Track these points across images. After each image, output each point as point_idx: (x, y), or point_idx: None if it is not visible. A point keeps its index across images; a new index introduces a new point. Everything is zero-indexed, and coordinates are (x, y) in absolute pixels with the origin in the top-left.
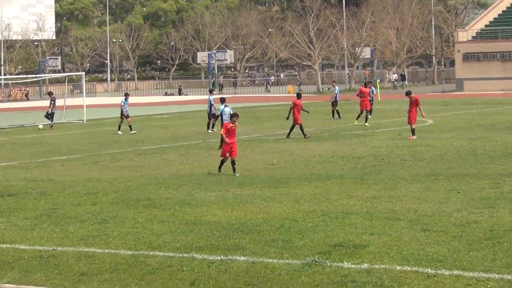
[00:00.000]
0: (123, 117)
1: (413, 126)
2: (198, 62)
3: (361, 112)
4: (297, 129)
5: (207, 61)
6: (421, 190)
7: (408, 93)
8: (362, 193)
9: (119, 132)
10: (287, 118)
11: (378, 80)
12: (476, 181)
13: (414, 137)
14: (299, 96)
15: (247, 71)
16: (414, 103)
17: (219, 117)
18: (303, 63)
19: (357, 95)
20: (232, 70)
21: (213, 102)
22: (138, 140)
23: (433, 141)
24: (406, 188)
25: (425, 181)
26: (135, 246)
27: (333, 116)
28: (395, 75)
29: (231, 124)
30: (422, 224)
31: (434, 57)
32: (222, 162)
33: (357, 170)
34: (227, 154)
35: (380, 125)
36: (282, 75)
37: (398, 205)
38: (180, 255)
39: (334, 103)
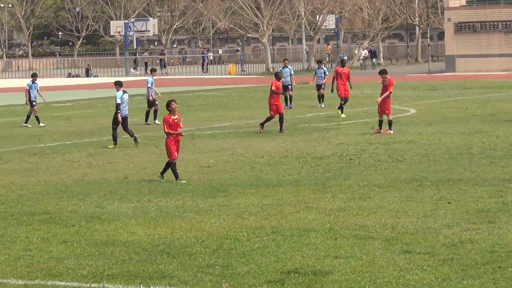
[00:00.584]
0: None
1: (390, 117)
2: (112, 34)
3: (343, 100)
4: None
5: (123, 33)
6: (401, 200)
7: (382, 72)
8: (324, 204)
9: (28, 125)
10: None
11: (345, 58)
12: (471, 188)
13: (390, 131)
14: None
15: (175, 46)
16: (386, 87)
17: (118, 107)
18: (248, 35)
19: (334, 78)
20: (156, 44)
21: (150, 85)
22: (32, 136)
23: (416, 136)
24: (381, 197)
25: (406, 189)
26: (29, 274)
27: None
28: (365, 51)
29: (172, 117)
30: (402, 244)
31: (417, 27)
32: (175, 165)
33: (317, 174)
34: (176, 154)
35: (347, 116)
36: (220, 51)
37: (371, 220)
38: (88, 285)
39: (289, 88)
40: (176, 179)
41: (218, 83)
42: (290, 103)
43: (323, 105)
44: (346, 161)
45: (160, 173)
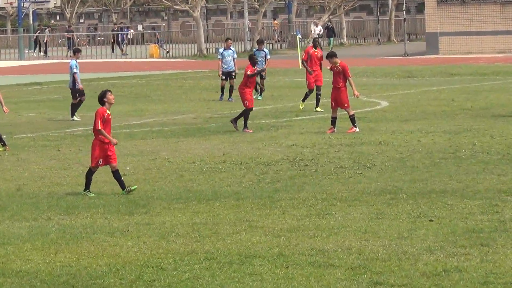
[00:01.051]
0: None
1: (351, 112)
2: (1, 6)
3: (310, 91)
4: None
5: (15, 4)
6: (370, 218)
7: (331, 56)
8: (272, 223)
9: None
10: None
11: (299, 36)
12: (459, 202)
13: (355, 129)
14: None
15: (82, 21)
16: (341, 75)
17: None
18: (176, 7)
19: (303, 62)
20: (58, 18)
21: (76, 70)
22: None
23: (389, 136)
24: (344, 214)
25: (376, 203)
26: None
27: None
28: (319, 27)
29: (107, 111)
30: (371, 273)
31: None
32: (91, 174)
33: (264, 184)
34: (101, 161)
35: (301, 110)
36: (140, 27)
37: (332, 243)
38: None
39: (233, 76)
40: (84, 190)
41: (137, 68)
42: (230, 95)
43: (260, 98)
44: (300, 168)
45: (121, 187)
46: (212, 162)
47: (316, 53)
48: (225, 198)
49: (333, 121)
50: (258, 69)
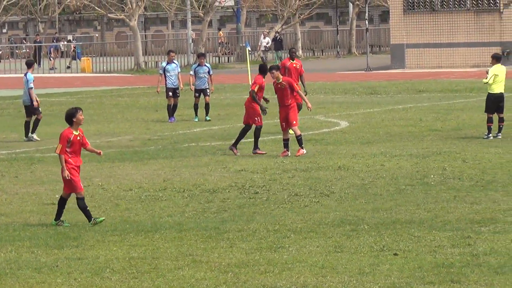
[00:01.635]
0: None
1: (297, 132)
2: None
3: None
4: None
5: None
6: (327, 251)
7: (273, 70)
8: (218, 257)
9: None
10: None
11: (248, 48)
12: (427, 233)
13: (303, 151)
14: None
15: (4, 31)
16: (288, 90)
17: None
18: (110, 16)
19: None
20: None
21: (32, 85)
22: None
23: (350, 160)
24: (299, 247)
25: (335, 234)
26: None
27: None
28: (266, 39)
29: (74, 133)
30: None
31: (351, 5)
32: (64, 202)
33: (209, 214)
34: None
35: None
36: (70, 38)
37: (285, 279)
38: None
39: (177, 94)
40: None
41: (66, 84)
42: (172, 115)
43: (208, 118)
44: (249, 196)
45: (86, 217)
46: (152, 190)
47: (294, 65)
48: (166, 230)
49: (286, 143)
50: (167, 83)
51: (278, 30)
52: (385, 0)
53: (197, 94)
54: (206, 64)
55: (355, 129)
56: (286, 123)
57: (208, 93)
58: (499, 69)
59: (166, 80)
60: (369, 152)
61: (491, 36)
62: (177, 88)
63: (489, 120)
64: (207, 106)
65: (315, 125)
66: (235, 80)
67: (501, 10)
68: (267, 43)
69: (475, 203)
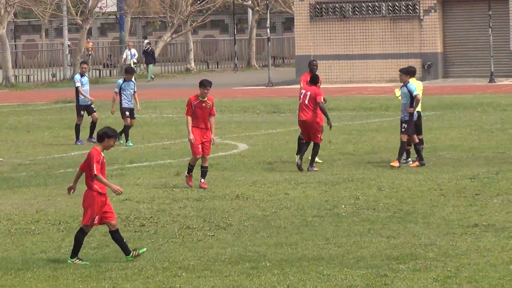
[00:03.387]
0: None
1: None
2: None
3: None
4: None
5: None
6: None
7: (204, 85)
8: None
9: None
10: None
11: (134, 60)
12: (338, 271)
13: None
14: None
15: None
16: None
17: None
18: None
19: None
20: None
21: None
22: None
23: (249, 188)
24: (192, 287)
25: (233, 273)
26: None
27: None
28: (132, 50)
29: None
30: None
31: (250, 11)
32: (84, 235)
33: (89, 250)
34: (97, 218)
35: (138, 153)
36: None
37: None
38: None
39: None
40: (72, 258)
41: None
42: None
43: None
44: (134, 229)
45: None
46: (23, 222)
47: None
48: (39, 268)
49: (192, 168)
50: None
51: (166, 39)
52: (289, 6)
53: (127, 114)
54: (132, 79)
55: (255, 153)
56: (206, 148)
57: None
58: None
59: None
60: (272, 179)
61: (410, 46)
62: (90, 104)
63: (408, 143)
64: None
65: (211, 148)
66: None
67: (421, 17)
68: (134, 55)
69: (392, 237)
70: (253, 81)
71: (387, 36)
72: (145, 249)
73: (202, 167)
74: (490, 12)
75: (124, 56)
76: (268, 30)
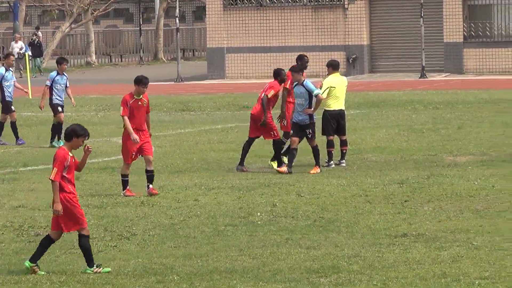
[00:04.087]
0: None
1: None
2: None
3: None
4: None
5: None
6: None
7: (140, 82)
8: None
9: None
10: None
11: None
12: (252, 285)
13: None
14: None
15: None
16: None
17: None
18: None
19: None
20: None
21: None
22: None
23: (152, 198)
24: None
25: (136, 287)
26: None
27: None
28: (19, 43)
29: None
30: None
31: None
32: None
33: None
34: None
35: (33, 155)
36: None
37: None
38: None
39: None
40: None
41: None
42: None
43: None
44: (28, 239)
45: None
46: None
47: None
48: None
49: (127, 179)
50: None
51: (65, 30)
52: None
53: (60, 109)
54: (65, 72)
55: (163, 155)
56: (140, 152)
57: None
58: (336, 80)
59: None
60: (180, 184)
61: (333, 38)
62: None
63: (329, 144)
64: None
65: (112, 150)
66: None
67: (346, 6)
68: (21, 49)
69: (313, 248)
70: (160, 76)
71: (309, 27)
72: (109, 269)
73: (147, 171)
74: (421, 1)
75: (10, 49)
76: (177, 20)
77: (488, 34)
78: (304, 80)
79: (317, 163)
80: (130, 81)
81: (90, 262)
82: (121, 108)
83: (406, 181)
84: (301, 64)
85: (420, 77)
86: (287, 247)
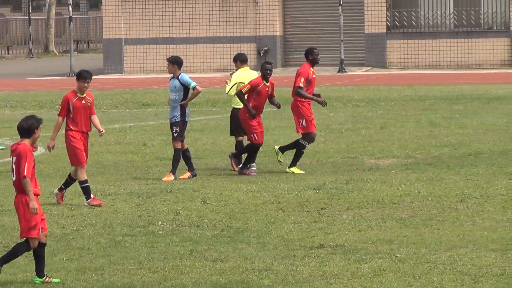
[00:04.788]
0: None
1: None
2: None
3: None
4: None
5: None
6: None
7: (82, 77)
8: None
9: None
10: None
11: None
12: None
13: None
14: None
15: None
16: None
17: None
18: None
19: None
20: None
21: None
22: None
23: (43, 200)
24: None
25: None
26: None
27: None
28: None
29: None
30: None
31: None
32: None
33: None
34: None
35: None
36: None
37: None
38: None
39: None
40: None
41: None
42: None
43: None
44: None
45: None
46: None
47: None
48: None
49: (69, 183)
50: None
51: None
52: None
53: None
54: None
55: (54, 158)
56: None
57: None
58: (245, 75)
59: None
60: (73, 190)
61: (243, 29)
62: None
63: (239, 146)
64: None
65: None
66: None
67: None
68: None
69: (220, 260)
70: (51, 70)
71: (216, 16)
72: (58, 280)
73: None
74: None
75: None
76: (70, 8)
77: (414, 24)
78: (180, 74)
79: (174, 170)
80: (18, 75)
81: (40, 272)
82: (60, 107)
83: (323, 187)
84: (312, 58)
85: (338, 72)
86: (191, 260)
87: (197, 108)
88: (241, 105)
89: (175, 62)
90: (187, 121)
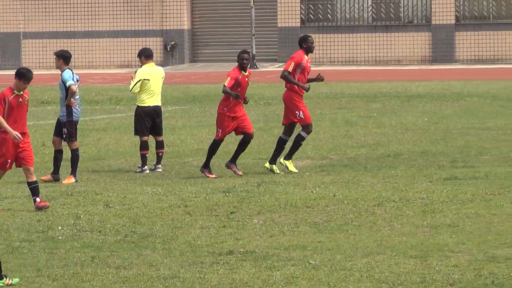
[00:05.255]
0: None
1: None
2: None
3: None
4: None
5: None
6: None
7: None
8: None
9: None
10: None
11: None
12: None
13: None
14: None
15: None
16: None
17: None
18: None
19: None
20: None
21: None
22: None
23: None
24: None
25: None
26: None
27: None
28: None
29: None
30: None
31: None
32: None
33: None
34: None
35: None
36: None
37: None
38: None
39: None
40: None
41: None
42: None
43: None
44: None
45: None
46: None
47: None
48: None
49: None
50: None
51: None
52: None
53: None
54: None
55: None
56: (19, 162)
57: None
58: (150, 71)
59: None
60: None
61: (148, 22)
62: None
63: (143, 146)
64: None
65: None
66: None
67: None
68: None
69: (123, 267)
70: None
71: (119, 9)
72: (17, 279)
73: (29, 183)
74: None
75: None
76: None
77: (330, 17)
78: (65, 69)
79: (73, 172)
80: None
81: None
82: None
83: (233, 190)
84: (306, 46)
85: (249, 68)
86: (93, 267)
87: (99, 106)
88: (147, 104)
89: (61, 56)
90: (75, 121)
